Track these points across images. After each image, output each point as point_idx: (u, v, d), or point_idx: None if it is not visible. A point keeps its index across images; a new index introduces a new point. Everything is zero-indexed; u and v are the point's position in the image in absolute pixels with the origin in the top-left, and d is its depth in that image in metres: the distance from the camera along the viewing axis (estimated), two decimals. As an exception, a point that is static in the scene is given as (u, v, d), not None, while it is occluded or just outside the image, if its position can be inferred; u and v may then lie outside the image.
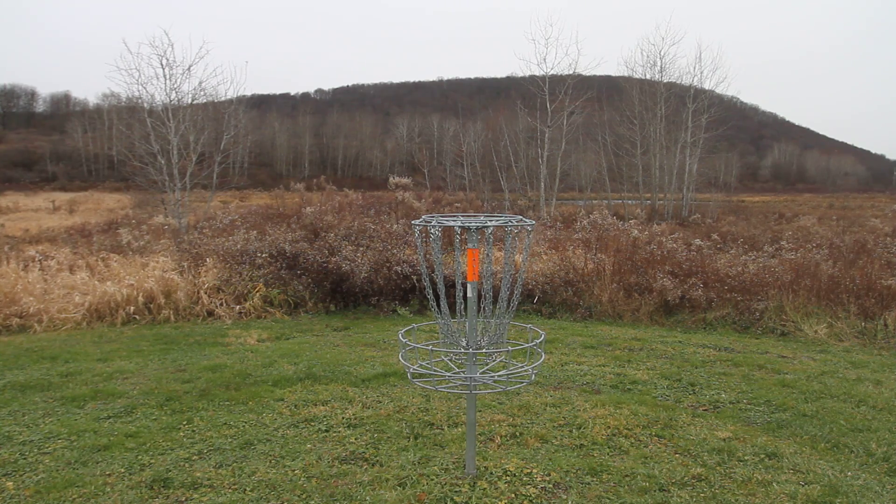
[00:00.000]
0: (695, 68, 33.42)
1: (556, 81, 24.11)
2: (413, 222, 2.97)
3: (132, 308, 7.27)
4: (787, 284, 7.41)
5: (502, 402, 4.24)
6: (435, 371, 2.98)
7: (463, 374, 2.96)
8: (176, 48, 20.63)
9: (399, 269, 7.96)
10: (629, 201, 28.48)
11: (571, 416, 3.96)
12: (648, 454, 3.42)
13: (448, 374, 3.02)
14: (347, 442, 3.56)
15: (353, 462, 3.30)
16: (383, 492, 2.95)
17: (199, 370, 5.01)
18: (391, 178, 16.74)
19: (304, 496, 2.92)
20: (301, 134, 70.94)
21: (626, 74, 28.73)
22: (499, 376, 2.96)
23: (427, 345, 3.01)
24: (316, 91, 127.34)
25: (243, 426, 3.80)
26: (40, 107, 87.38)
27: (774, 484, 3.08)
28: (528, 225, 2.88)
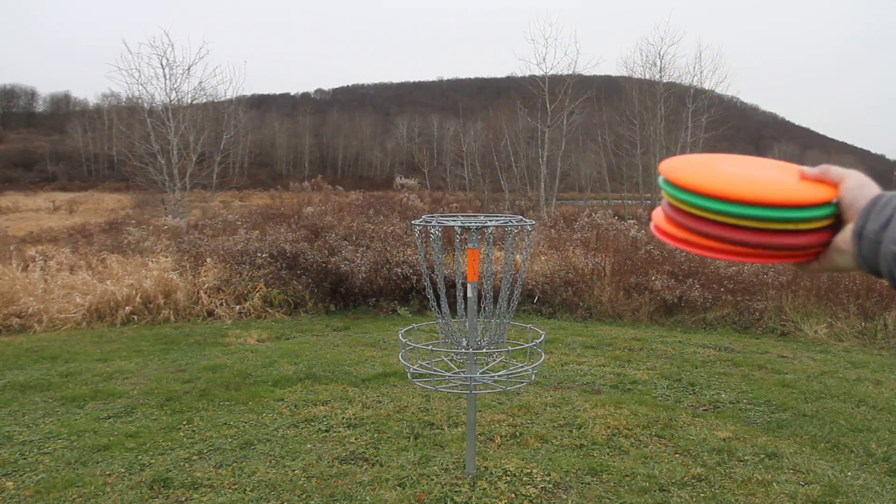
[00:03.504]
0: (694, 68, 33.20)
1: (556, 81, 24.13)
2: (413, 222, 2.97)
3: (132, 308, 7.27)
4: (786, 284, 7.41)
5: (502, 402, 4.24)
6: (435, 371, 2.98)
7: (463, 374, 2.97)
8: (176, 48, 20.62)
9: (399, 269, 7.96)
10: (629, 201, 28.48)
11: (571, 416, 3.96)
12: (648, 454, 3.42)
13: (448, 374, 3.02)
14: (347, 442, 3.56)
15: (353, 462, 3.30)
16: (383, 492, 2.95)
17: (199, 370, 5.01)
18: (397, 179, 16.69)
19: (304, 496, 2.92)
20: (301, 134, 70.89)
21: (625, 74, 28.75)
22: (499, 376, 2.97)
23: (427, 345, 3.01)
24: (316, 91, 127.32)
25: (243, 426, 3.80)
26: (40, 107, 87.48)
27: (774, 484, 3.08)
28: (528, 225, 2.88)
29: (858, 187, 0.64)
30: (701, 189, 0.65)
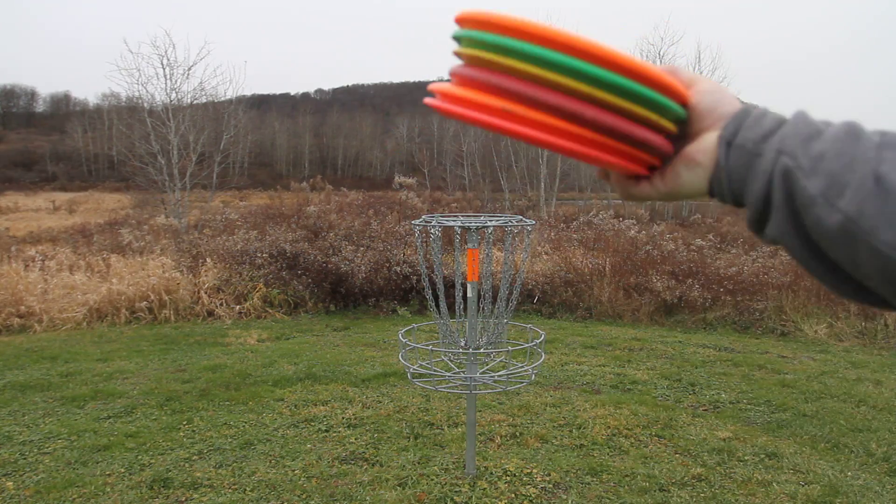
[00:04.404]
0: (694, 68, 33.36)
1: (556, 81, 24.07)
2: (413, 222, 2.97)
3: (132, 308, 7.27)
4: (786, 284, 7.40)
5: (502, 402, 4.24)
6: (435, 371, 2.98)
7: (463, 374, 2.97)
8: (177, 48, 20.62)
9: (399, 269, 7.97)
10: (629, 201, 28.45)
11: (571, 416, 3.96)
12: (648, 454, 3.42)
13: (448, 374, 3.03)
14: (347, 442, 3.56)
15: (353, 462, 3.30)
16: (383, 492, 2.95)
17: (199, 370, 5.01)
18: (397, 178, 16.69)
19: (304, 496, 2.92)
20: (301, 134, 70.91)
21: (625, 74, 28.69)
22: (499, 376, 2.97)
23: (427, 345, 3.01)
24: (316, 91, 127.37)
25: (243, 426, 3.80)
26: (40, 107, 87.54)
27: (774, 484, 3.08)
28: (528, 225, 2.88)
29: (716, 92, 0.52)
30: (539, 34, 0.46)
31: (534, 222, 3.04)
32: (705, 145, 0.51)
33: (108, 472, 3.16)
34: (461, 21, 0.51)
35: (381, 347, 5.93)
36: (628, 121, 0.50)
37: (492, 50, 0.48)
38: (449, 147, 46.58)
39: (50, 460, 3.31)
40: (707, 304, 7.41)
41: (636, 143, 0.51)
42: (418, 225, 2.91)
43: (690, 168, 0.52)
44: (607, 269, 8.19)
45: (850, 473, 3.23)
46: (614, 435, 3.67)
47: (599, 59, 0.46)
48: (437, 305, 2.99)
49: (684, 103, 0.52)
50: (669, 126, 0.52)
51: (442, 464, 3.25)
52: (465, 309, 2.96)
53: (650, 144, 0.51)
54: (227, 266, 8.17)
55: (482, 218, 2.93)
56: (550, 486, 3.03)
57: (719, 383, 4.79)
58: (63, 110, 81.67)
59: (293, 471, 3.18)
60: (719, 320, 7.27)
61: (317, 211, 10.57)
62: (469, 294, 2.86)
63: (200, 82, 17.96)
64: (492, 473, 3.13)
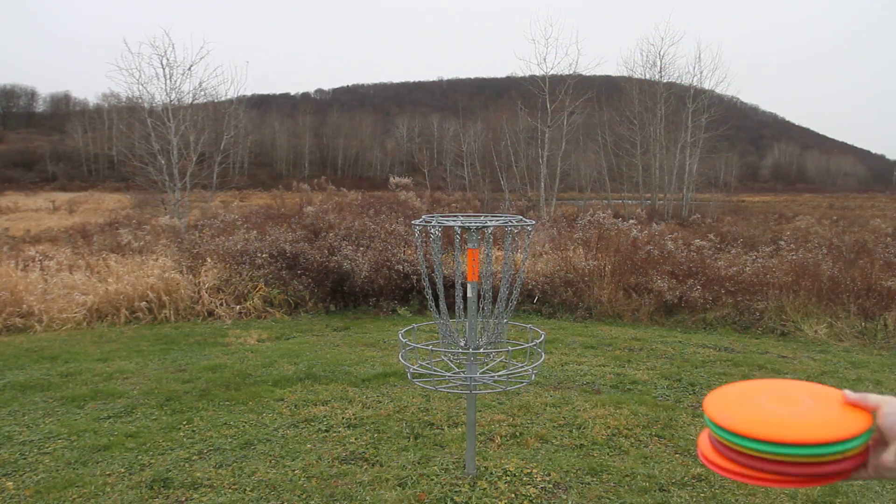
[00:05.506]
0: (694, 68, 33.27)
1: (556, 81, 24.11)
2: (413, 222, 2.97)
3: (132, 308, 7.26)
4: (787, 285, 7.40)
5: (502, 402, 4.24)
6: (435, 371, 2.98)
7: (463, 374, 2.97)
8: (177, 48, 20.60)
9: (399, 268, 7.97)
10: (629, 201, 28.48)
11: (571, 416, 3.96)
12: (648, 454, 3.42)
13: (448, 374, 3.02)
14: (347, 442, 3.56)
15: (353, 462, 3.30)
16: (383, 492, 2.95)
17: (199, 370, 5.01)
18: (392, 179, 16.72)
19: (304, 496, 2.92)
20: (301, 134, 70.88)
21: (625, 75, 28.77)
22: (499, 376, 2.97)
23: (427, 345, 3.01)
24: (316, 91, 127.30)
25: (243, 426, 3.80)
26: (40, 107, 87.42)
27: (774, 484, 3.08)
28: (528, 225, 2.88)
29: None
30: (752, 435, 0.75)
31: (534, 222, 3.04)
32: (893, 455, 0.74)
33: (108, 472, 3.16)
34: (708, 414, 0.80)
35: (381, 347, 5.94)
36: (824, 465, 0.74)
37: (731, 441, 0.77)
38: (449, 147, 46.58)
39: (50, 460, 3.31)
40: (707, 304, 7.41)
41: (835, 474, 0.76)
42: (418, 225, 2.90)
43: (890, 470, 0.75)
44: (607, 269, 8.19)
45: (850, 473, 3.23)
46: (614, 435, 3.67)
47: (801, 443, 0.73)
48: (437, 305, 2.99)
49: (871, 423, 0.75)
50: (857, 450, 0.76)
51: (442, 464, 3.25)
52: (465, 309, 2.96)
53: (841, 472, 0.76)
54: (228, 266, 8.17)
55: (482, 218, 2.93)
56: (550, 486, 3.03)
57: (719, 383, 4.77)
58: (63, 110, 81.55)
59: (293, 471, 3.18)
60: (719, 320, 7.27)
61: (315, 211, 10.57)
62: (469, 294, 2.86)
63: (200, 82, 17.94)
64: (492, 473, 3.13)
